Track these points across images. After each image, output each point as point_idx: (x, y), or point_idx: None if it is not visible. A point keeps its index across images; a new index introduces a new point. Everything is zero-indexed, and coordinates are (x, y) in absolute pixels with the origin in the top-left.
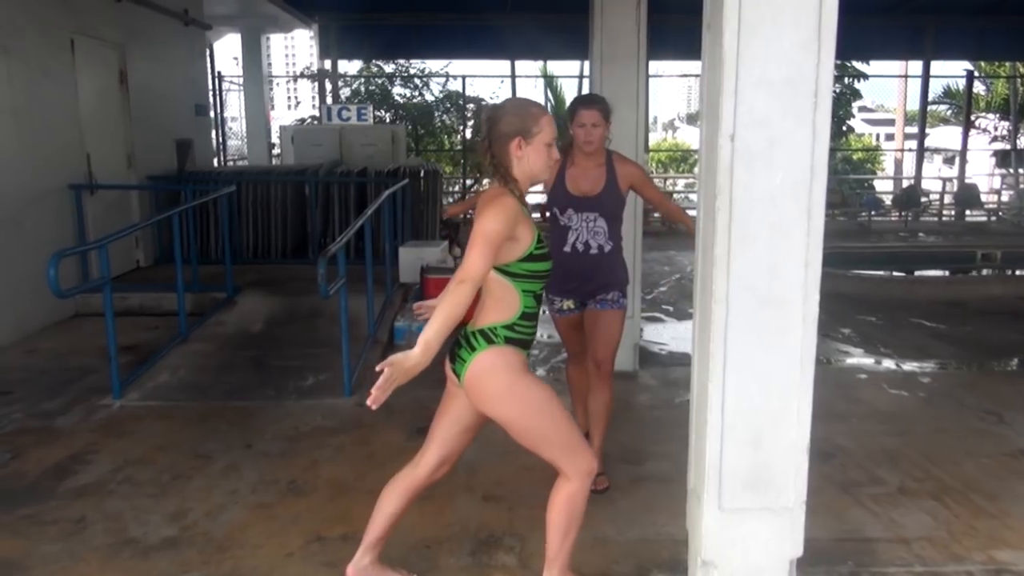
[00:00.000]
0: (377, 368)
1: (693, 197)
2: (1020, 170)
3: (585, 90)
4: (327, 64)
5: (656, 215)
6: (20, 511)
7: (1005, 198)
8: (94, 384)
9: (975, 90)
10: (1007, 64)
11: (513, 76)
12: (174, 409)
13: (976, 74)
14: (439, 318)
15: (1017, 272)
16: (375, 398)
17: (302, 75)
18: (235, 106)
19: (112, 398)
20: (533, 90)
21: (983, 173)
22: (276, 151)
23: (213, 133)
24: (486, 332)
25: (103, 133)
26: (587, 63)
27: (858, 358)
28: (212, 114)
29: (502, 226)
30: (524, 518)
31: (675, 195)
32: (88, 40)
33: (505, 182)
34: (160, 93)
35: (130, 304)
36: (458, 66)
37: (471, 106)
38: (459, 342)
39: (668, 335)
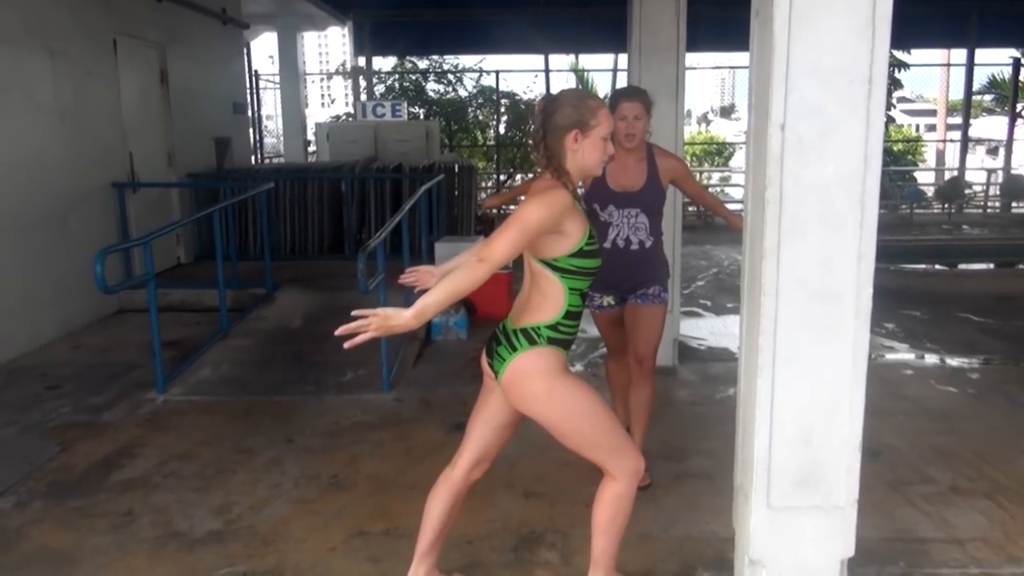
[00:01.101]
0: (355, 312)
1: (728, 191)
2: None
3: (620, 84)
4: (361, 61)
5: (692, 208)
6: (69, 503)
7: None
8: (138, 379)
9: (1022, 78)
10: None
11: (547, 70)
12: (217, 404)
13: (1023, 61)
14: (444, 290)
15: None
16: (342, 331)
17: (337, 72)
18: (271, 104)
19: (156, 393)
20: (565, 84)
21: None
22: (312, 148)
23: (251, 131)
24: (528, 332)
25: (145, 132)
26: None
27: (903, 353)
28: (249, 112)
29: (544, 217)
30: (565, 514)
31: (710, 188)
32: (130, 40)
33: (558, 175)
34: (199, 92)
35: (172, 300)
36: (492, 61)
37: (505, 101)
38: (498, 338)
39: (707, 330)
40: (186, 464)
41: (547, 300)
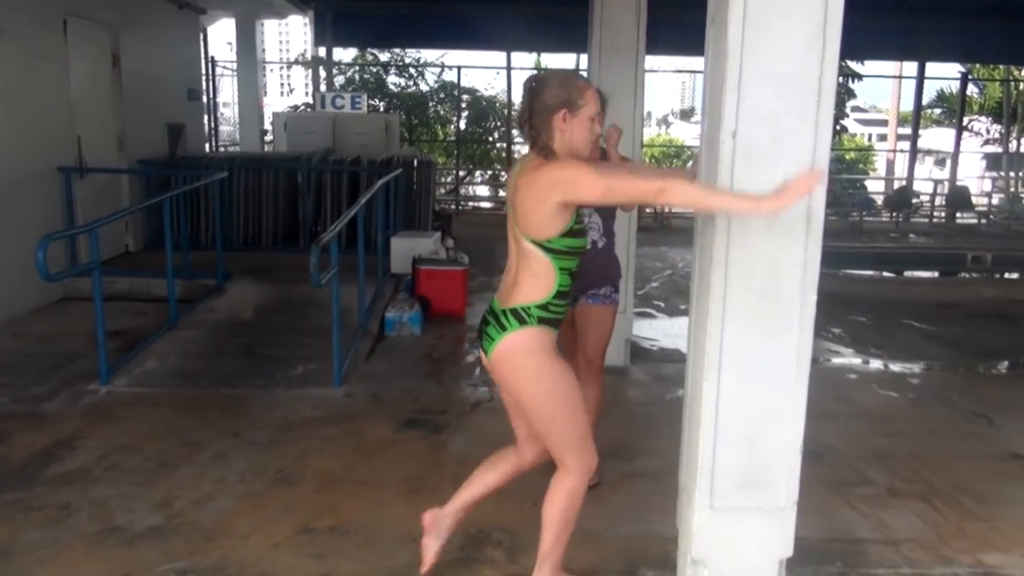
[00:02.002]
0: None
1: None
2: (1011, 173)
3: None
4: (322, 51)
5: (649, 209)
6: (5, 496)
7: (996, 201)
8: (81, 369)
9: (968, 92)
10: (1001, 68)
11: (509, 68)
12: (162, 396)
13: (970, 76)
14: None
15: (1007, 275)
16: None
17: (296, 62)
18: (228, 92)
19: (99, 384)
20: None
21: (974, 176)
22: (268, 138)
23: (205, 118)
24: (518, 312)
25: (94, 116)
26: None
27: (848, 358)
28: (205, 99)
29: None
30: (514, 512)
31: None
32: (81, 21)
33: (545, 155)
34: (153, 77)
35: (119, 289)
36: (453, 57)
37: (466, 97)
38: (487, 320)
39: (660, 331)
40: (128, 457)
41: (538, 280)
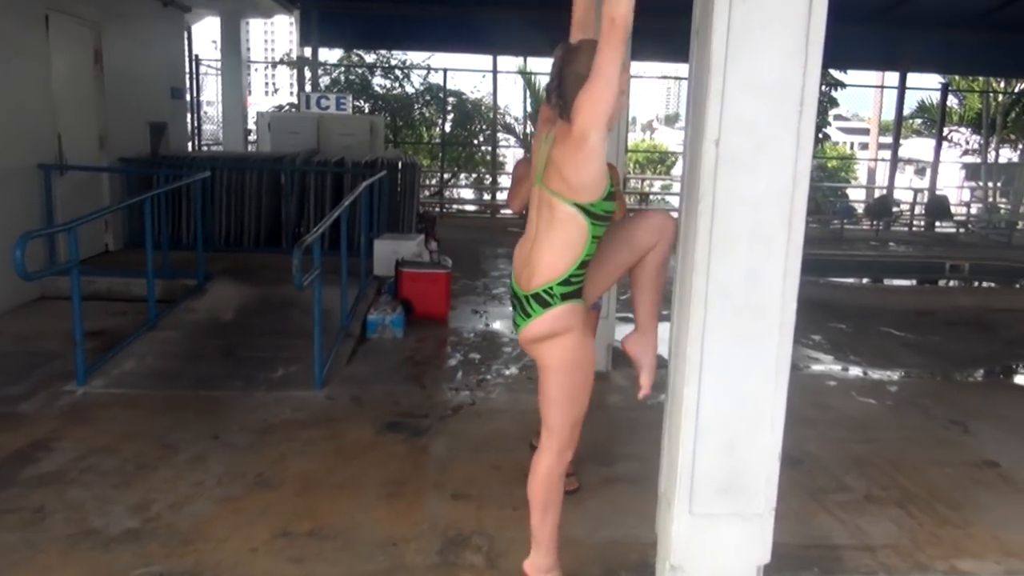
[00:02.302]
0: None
1: (670, 199)
2: (989, 184)
3: None
4: (307, 51)
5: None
6: None
7: (974, 211)
8: (58, 369)
9: (948, 103)
10: (980, 79)
11: (495, 71)
12: (140, 397)
13: (950, 87)
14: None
15: (984, 284)
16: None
17: (281, 62)
18: (212, 90)
19: (77, 384)
20: (514, 86)
21: (953, 185)
22: (252, 138)
23: (188, 117)
24: (541, 296)
25: (75, 113)
26: None
27: (828, 365)
28: (188, 98)
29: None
30: (493, 517)
31: (651, 196)
32: (63, 17)
33: (572, 125)
34: (135, 74)
35: (98, 288)
36: (440, 59)
37: (451, 100)
38: (513, 303)
39: None
40: (105, 459)
41: (568, 250)
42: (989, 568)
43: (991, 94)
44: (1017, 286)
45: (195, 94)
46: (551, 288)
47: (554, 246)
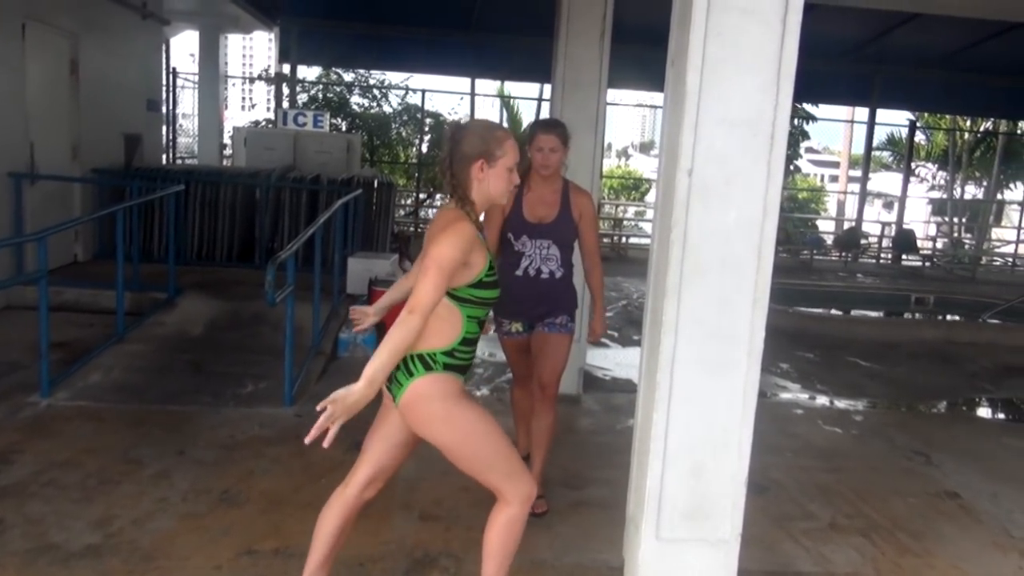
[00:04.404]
0: (318, 407)
1: (643, 225)
2: (955, 219)
3: (544, 113)
4: (286, 68)
5: (607, 240)
6: None
7: (940, 245)
8: (21, 381)
9: (916, 139)
10: (947, 117)
11: (473, 94)
12: (105, 411)
13: (918, 124)
14: (386, 351)
15: (947, 317)
16: (313, 436)
17: (259, 77)
18: (188, 104)
19: (40, 396)
20: (491, 109)
21: (920, 220)
22: (228, 152)
23: (164, 129)
24: (424, 358)
25: (49, 123)
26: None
27: (795, 393)
28: (164, 110)
29: (458, 253)
30: (461, 538)
31: (625, 222)
32: (40, 27)
33: (462, 204)
34: (112, 85)
35: (65, 299)
36: (418, 80)
37: (429, 120)
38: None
39: (613, 361)
40: (66, 473)
41: (445, 325)
42: None
43: (957, 132)
44: (980, 320)
45: (171, 107)
46: (434, 354)
47: (436, 321)
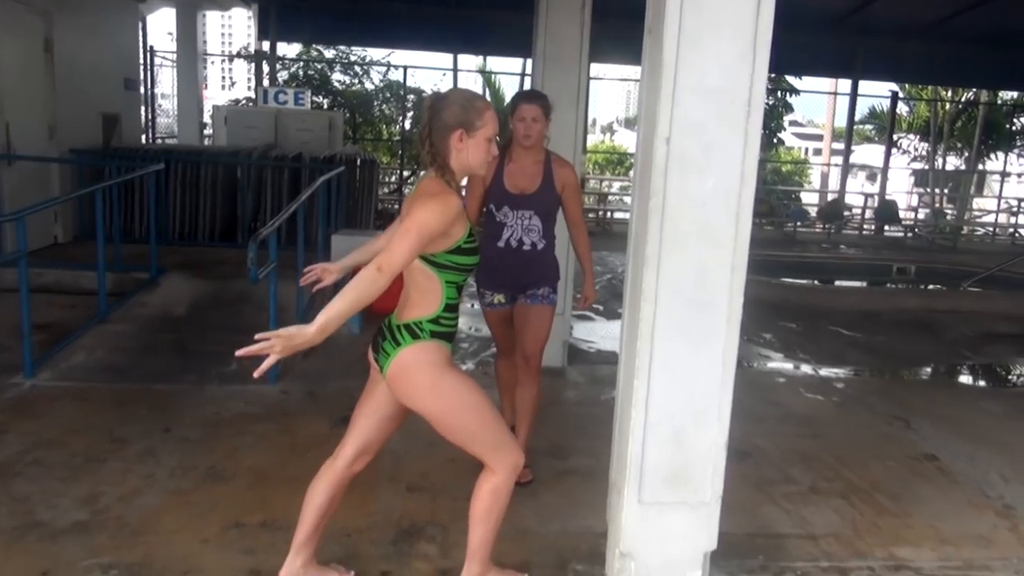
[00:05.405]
0: (258, 336)
1: (628, 200)
2: (936, 190)
3: (526, 88)
4: (265, 45)
5: (592, 214)
6: None
7: (921, 216)
8: (4, 362)
9: (899, 111)
10: (929, 88)
11: (455, 69)
12: (90, 391)
13: (900, 96)
14: (345, 302)
15: (928, 286)
16: (242, 354)
17: (239, 55)
18: (167, 83)
19: (23, 377)
20: (473, 85)
21: (902, 191)
22: (208, 131)
23: (142, 109)
24: (411, 327)
25: (24, 102)
26: (529, 61)
27: (778, 362)
28: (142, 89)
29: (440, 224)
30: (447, 509)
31: (610, 197)
32: (12, 4)
33: (442, 173)
34: (88, 64)
35: (46, 281)
36: (400, 56)
37: (411, 97)
38: (383, 333)
39: (597, 333)
40: (52, 452)
41: (426, 296)
42: (924, 555)
43: (939, 103)
44: (960, 288)
45: (149, 86)
46: (420, 322)
47: (416, 291)
